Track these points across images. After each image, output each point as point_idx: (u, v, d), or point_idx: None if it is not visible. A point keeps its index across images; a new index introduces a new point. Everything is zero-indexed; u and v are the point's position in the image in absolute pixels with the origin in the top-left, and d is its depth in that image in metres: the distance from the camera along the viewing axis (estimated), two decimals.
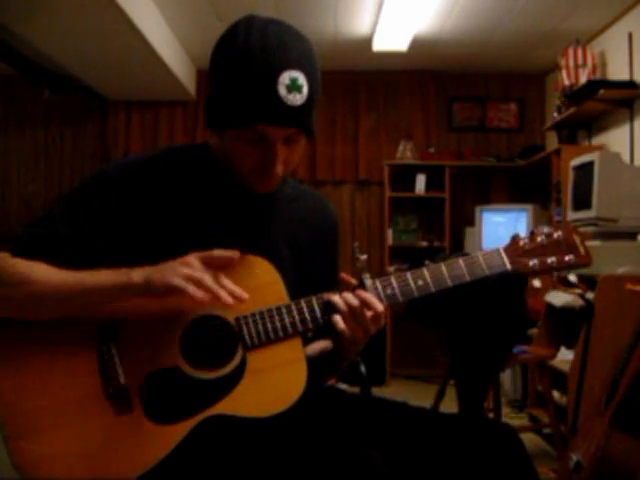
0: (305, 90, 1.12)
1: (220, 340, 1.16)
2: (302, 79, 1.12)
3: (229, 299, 1.09)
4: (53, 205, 1.21)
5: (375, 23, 4.28)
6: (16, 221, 5.42)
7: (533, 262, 1.25)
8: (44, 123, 5.49)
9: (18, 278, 1.13)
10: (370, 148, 5.42)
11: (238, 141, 1.17)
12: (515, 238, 1.26)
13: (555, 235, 1.26)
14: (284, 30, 1.15)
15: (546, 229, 1.28)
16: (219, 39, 1.18)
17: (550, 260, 1.25)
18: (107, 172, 1.23)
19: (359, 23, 4.36)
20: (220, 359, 1.15)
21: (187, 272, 1.08)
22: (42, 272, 1.13)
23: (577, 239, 1.27)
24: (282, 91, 1.10)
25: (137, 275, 1.10)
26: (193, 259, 1.11)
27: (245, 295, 1.12)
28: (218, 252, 1.13)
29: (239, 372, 1.15)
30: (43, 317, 1.14)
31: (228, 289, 1.10)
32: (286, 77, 1.10)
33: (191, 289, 1.07)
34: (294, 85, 1.11)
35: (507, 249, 1.25)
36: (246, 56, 1.10)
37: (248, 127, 1.14)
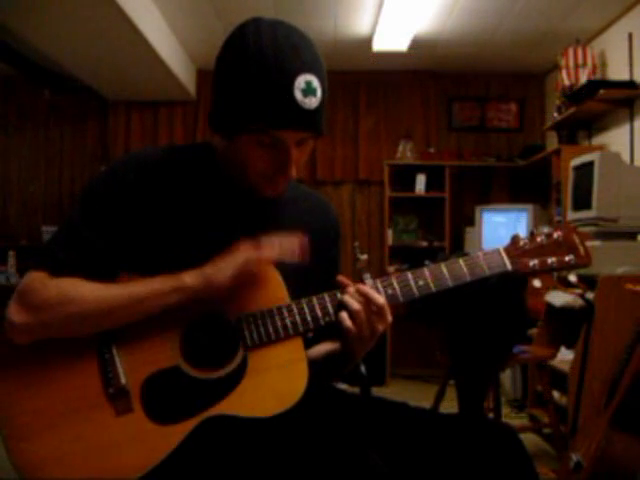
0: (319, 93, 1.13)
1: (221, 340, 1.16)
2: (316, 82, 1.12)
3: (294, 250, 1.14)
4: (69, 214, 1.19)
5: (375, 23, 4.28)
6: (16, 221, 5.42)
7: (533, 262, 1.25)
8: (44, 123, 5.49)
9: (66, 298, 1.11)
10: (370, 148, 5.42)
11: (250, 145, 1.16)
12: (515, 238, 1.27)
13: (555, 235, 1.27)
14: (292, 32, 1.14)
15: (546, 229, 1.28)
16: (226, 42, 1.17)
17: (550, 260, 1.26)
18: (116, 171, 1.21)
19: (359, 23, 4.36)
20: (221, 359, 1.16)
21: (239, 259, 1.12)
22: (91, 289, 1.12)
23: (577, 239, 1.27)
24: (298, 95, 1.10)
25: (190, 278, 1.12)
26: (238, 247, 1.14)
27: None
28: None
29: (240, 372, 1.15)
30: (92, 333, 1.13)
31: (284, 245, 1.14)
32: (301, 81, 1.10)
33: (254, 259, 1.13)
34: (309, 88, 1.11)
35: (507, 249, 1.26)
36: (259, 61, 1.10)
37: (263, 132, 1.13)
